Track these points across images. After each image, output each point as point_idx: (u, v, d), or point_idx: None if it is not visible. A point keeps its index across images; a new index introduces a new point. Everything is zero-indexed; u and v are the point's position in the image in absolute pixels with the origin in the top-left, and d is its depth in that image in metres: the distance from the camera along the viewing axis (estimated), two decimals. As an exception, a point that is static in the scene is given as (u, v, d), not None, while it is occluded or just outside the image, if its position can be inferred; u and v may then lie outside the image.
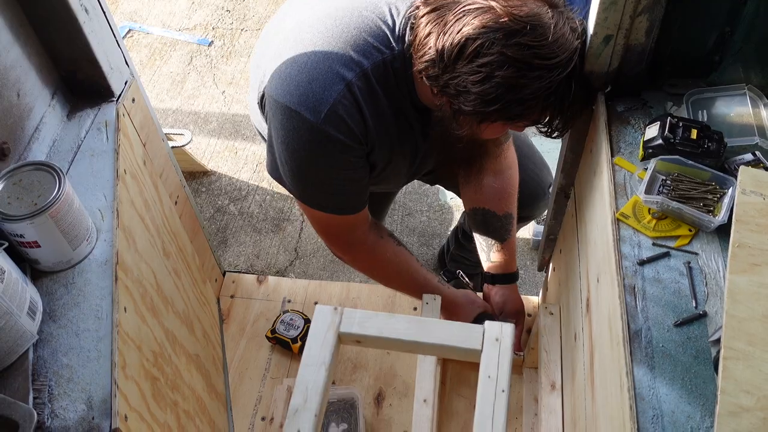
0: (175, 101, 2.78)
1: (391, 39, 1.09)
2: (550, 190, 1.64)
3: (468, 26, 0.95)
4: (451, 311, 1.49)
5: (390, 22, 1.09)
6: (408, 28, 1.08)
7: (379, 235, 1.34)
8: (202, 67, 2.93)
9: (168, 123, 2.69)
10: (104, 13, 1.23)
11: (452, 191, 1.67)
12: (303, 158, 1.12)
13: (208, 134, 2.66)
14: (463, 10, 0.97)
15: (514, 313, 1.59)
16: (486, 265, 1.58)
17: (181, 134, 2.27)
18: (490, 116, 1.03)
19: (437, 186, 1.97)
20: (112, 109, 1.26)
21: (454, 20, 0.97)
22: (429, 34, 1.00)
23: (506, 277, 1.58)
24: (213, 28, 3.10)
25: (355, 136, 1.11)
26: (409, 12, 1.08)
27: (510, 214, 1.51)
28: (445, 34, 0.97)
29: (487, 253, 1.56)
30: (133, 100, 1.33)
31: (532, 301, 1.86)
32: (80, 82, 1.25)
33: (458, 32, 0.96)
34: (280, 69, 1.10)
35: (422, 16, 1.02)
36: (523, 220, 1.75)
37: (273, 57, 1.14)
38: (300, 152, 1.11)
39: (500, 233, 1.53)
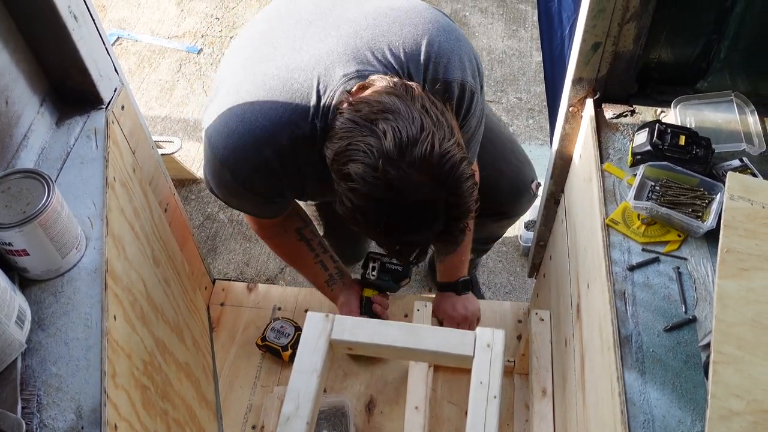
0: (164, 109, 2.77)
1: (311, 114, 1.17)
2: (533, 185, 1.69)
3: (353, 166, 1.04)
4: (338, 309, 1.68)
5: (314, 97, 1.17)
6: (331, 113, 1.15)
7: (284, 230, 1.57)
8: (191, 75, 2.92)
9: (157, 130, 2.68)
10: (93, 20, 1.22)
11: None
12: (225, 196, 1.34)
13: (197, 141, 2.65)
14: (360, 143, 1.05)
15: (462, 319, 1.71)
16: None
17: (171, 141, 2.25)
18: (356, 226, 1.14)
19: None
20: (101, 116, 1.25)
21: (350, 149, 1.06)
22: (338, 138, 1.09)
23: (449, 285, 1.70)
24: (202, 36, 3.09)
25: (267, 196, 1.32)
26: (337, 98, 1.16)
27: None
28: (341, 153, 1.07)
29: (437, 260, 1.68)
30: (123, 107, 1.33)
31: (522, 307, 1.86)
32: (69, 89, 1.24)
33: (345, 164, 1.06)
34: (218, 123, 1.23)
35: (342, 114, 1.10)
36: (506, 216, 1.78)
37: (215, 110, 1.25)
38: (222, 193, 1.32)
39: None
